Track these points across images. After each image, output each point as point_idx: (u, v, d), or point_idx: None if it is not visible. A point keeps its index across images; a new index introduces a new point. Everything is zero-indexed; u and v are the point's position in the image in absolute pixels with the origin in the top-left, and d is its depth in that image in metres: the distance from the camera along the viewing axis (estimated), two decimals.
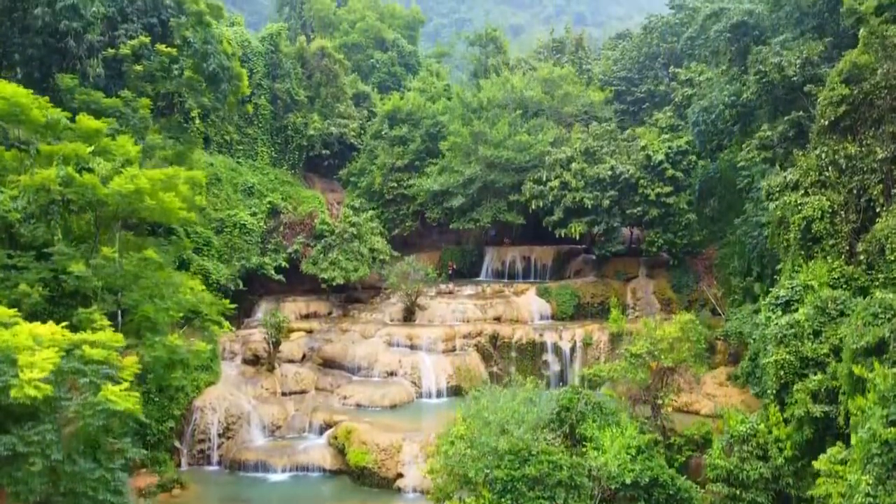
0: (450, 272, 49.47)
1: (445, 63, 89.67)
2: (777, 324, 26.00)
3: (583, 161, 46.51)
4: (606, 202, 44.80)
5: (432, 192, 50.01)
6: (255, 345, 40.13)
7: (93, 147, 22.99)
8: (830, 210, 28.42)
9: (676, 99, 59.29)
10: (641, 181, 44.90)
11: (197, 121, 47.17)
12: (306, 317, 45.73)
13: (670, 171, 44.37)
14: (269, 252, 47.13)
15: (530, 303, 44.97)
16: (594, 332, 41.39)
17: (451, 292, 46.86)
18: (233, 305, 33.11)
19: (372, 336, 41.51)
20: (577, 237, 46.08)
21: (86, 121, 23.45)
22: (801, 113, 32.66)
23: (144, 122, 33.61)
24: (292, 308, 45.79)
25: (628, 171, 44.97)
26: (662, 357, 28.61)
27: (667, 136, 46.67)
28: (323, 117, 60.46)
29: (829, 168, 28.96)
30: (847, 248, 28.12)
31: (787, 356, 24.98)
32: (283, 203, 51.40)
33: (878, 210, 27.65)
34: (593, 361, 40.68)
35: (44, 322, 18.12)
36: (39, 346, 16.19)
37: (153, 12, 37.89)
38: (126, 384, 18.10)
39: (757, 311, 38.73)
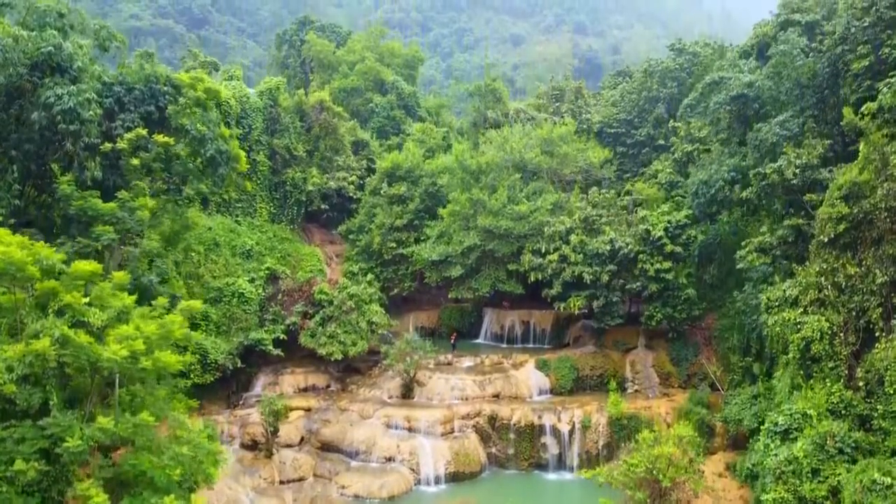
0: (452, 342, 49.32)
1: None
2: (776, 457, 25.93)
3: (582, 232, 46.39)
4: (605, 277, 44.69)
5: (431, 260, 49.84)
6: (253, 428, 40.08)
7: (88, 298, 22.87)
8: (830, 331, 28.35)
9: (676, 155, 59.32)
10: (641, 256, 44.79)
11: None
12: (304, 390, 45.63)
13: (670, 247, 44.27)
14: (268, 322, 46.97)
15: (529, 377, 44.91)
16: (593, 413, 41.30)
17: (449, 363, 46.76)
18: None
19: (370, 416, 41.47)
20: (576, 311, 45.98)
21: (80, 265, 23.30)
22: (800, 220, 32.51)
23: (141, 224, 33.43)
24: (290, 381, 45.73)
25: (627, 245, 44.84)
26: (661, 476, 28.58)
27: (666, 209, 46.47)
28: (322, 171, 60.42)
29: (829, 287, 28.86)
30: (846, 371, 28.03)
31: (786, 494, 24.94)
32: (282, 268, 51.29)
33: (877, 334, 27.56)
34: (592, 444, 40.69)
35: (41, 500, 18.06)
36: None
37: (150, 100, 37.66)
38: None
39: (756, 396, 38.84)
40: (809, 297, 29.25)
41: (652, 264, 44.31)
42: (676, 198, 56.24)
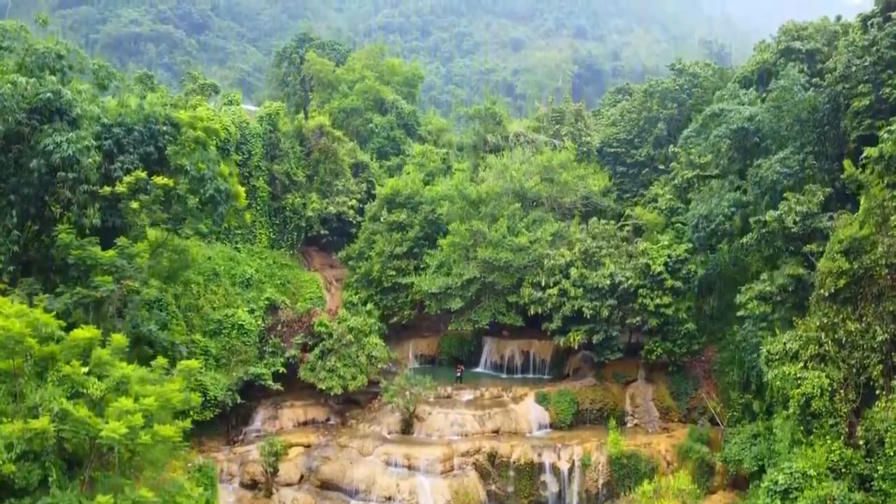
0: (458, 374, 49.25)
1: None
2: None
3: (582, 266, 46.33)
4: (605, 312, 44.65)
5: (431, 292, 49.80)
6: (252, 467, 40.10)
7: (87, 368, 22.83)
8: (830, 388, 28.32)
9: (676, 181, 59.26)
10: (641, 290, 44.75)
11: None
12: (304, 424, 45.62)
13: (670, 282, 44.21)
14: (267, 355, 46.89)
15: (529, 411, 44.89)
16: (592, 451, 41.28)
17: (449, 396, 46.73)
18: None
19: (370, 454, 41.44)
20: (576, 346, 45.98)
21: (79, 333, 23.27)
22: (801, 270, 32.47)
23: (140, 271, 33.38)
24: (290, 415, 45.71)
25: (627, 279, 44.81)
26: None
27: (666, 242, 46.41)
28: (322, 195, 60.38)
29: (829, 342, 28.83)
30: (846, 428, 28.00)
31: None
32: (282, 297, 51.27)
33: (877, 392, 27.54)
34: (592, 483, 40.70)
35: None
36: None
37: (150, 141, 37.47)
38: None
39: (756, 436, 38.80)
40: (810, 351, 29.21)
41: (652, 299, 44.27)
42: (677, 225, 56.18)
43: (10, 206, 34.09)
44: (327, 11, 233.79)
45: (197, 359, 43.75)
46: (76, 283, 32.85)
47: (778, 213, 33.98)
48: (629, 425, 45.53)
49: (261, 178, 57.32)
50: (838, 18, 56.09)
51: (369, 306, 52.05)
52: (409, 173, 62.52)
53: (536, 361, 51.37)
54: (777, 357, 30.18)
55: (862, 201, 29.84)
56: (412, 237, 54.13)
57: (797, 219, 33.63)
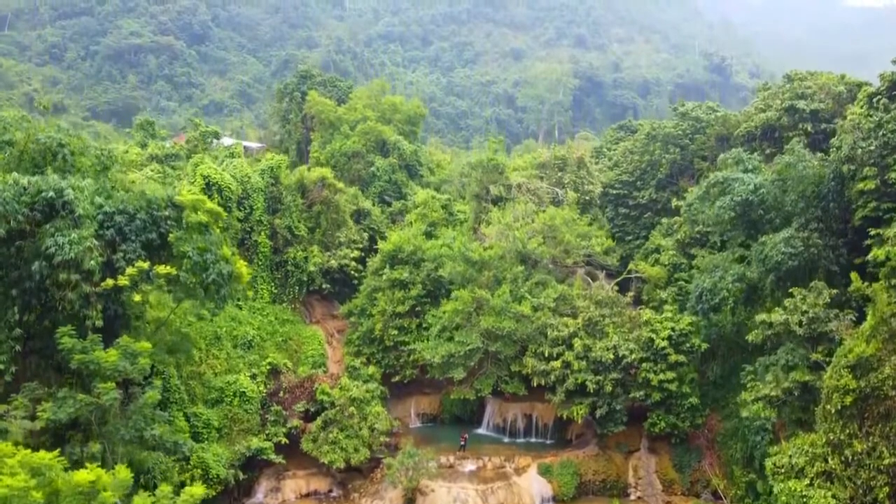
0: (462, 443, 49.05)
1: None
2: None
3: (585, 336, 46.19)
4: (609, 386, 44.55)
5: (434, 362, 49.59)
6: None
7: None
8: None
9: (678, 236, 59.15)
10: (644, 364, 44.65)
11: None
12: (307, 495, 45.64)
13: (673, 357, 44.12)
14: (269, 424, 46.82)
15: (531, 484, 44.78)
16: None
17: (451, 466, 46.63)
18: None
19: None
20: (579, 420, 45.88)
21: (80, 476, 23.20)
22: (807, 376, 32.34)
23: (143, 371, 33.22)
24: (292, 486, 45.68)
25: (631, 352, 44.70)
26: None
27: (669, 313, 46.28)
28: (324, 248, 60.20)
29: (836, 460, 28.70)
30: None
31: None
32: (283, 360, 51.21)
33: None
34: None
35: None
36: None
37: (152, 227, 37.20)
38: None
39: None
40: (816, 468, 29.10)
41: (655, 373, 44.21)
42: (679, 282, 56.18)
43: (11, 301, 33.91)
44: (328, 21, 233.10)
45: (199, 433, 44.33)
46: (79, 387, 32.81)
47: (784, 317, 33.73)
48: (632, 497, 45.47)
49: (262, 233, 57.11)
50: (842, 77, 55.84)
51: (371, 369, 52.02)
52: (411, 223, 62.43)
53: (539, 425, 51.27)
54: (783, 471, 30.07)
55: (869, 316, 29.68)
56: (414, 295, 53.94)
57: (802, 318, 33.46)
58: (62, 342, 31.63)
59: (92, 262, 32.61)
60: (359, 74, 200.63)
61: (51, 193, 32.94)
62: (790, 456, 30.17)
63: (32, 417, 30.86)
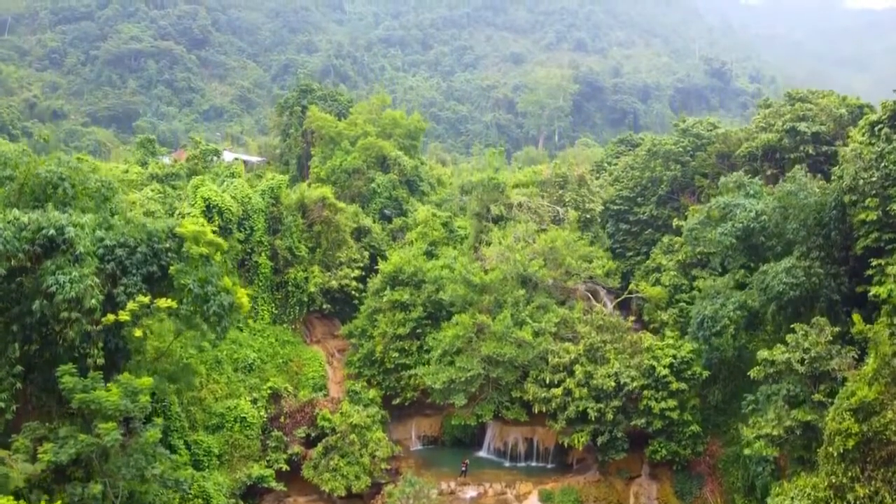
0: (463, 469, 49.00)
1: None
2: None
3: (587, 362, 46.17)
4: (610, 414, 44.53)
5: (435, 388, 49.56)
6: None
7: None
8: None
9: (679, 257, 59.11)
10: (646, 392, 44.63)
11: None
12: None
13: (675, 385, 44.10)
14: (270, 450, 46.80)
15: None
16: None
17: (452, 493, 46.61)
18: None
19: None
20: (580, 448, 45.87)
21: None
22: (809, 415, 32.32)
23: (145, 409, 33.18)
24: None
25: (632, 380, 44.67)
26: None
27: (671, 339, 46.27)
28: (324, 268, 60.09)
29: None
30: None
31: None
32: (284, 384, 51.18)
33: None
34: None
35: None
36: None
37: (153, 260, 37.15)
38: None
39: None
40: None
41: (657, 401, 44.18)
42: (680, 303, 56.15)
43: (12, 337, 33.85)
44: (328, 25, 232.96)
45: (200, 461, 44.30)
46: (80, 421, 32.79)
47: (785, 356, 33.66)
48: None
49: (263, 254, 57.03)
50: (843, 99, 55.79)
51: (372, 393, 51.97)
52: (412, 242, 62.38)
53: (540, 449, 51.22)
54: None
55: (870, 357, 29.63)
56: (415, 317, 53.87)
57: (804, 356, 33.42)
58: (63, 381, 31.57)
59: (93, 300, 32.52)
60: (359, 79, 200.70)
61: (51, 231, 32.85)
62: (792, 498, 30.12)
63: (34, 458, 30.85)
